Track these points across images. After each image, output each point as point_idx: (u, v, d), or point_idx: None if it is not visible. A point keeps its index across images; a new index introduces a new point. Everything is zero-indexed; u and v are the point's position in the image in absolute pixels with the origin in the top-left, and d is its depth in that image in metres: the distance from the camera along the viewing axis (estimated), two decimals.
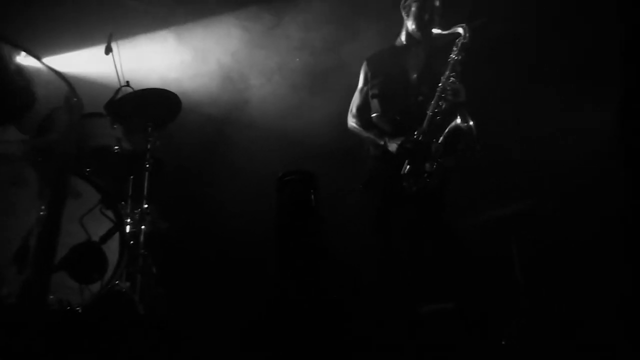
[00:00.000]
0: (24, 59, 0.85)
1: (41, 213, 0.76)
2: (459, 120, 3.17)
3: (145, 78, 4.53)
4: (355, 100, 3.62)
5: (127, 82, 3.82)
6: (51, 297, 2.78)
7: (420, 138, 3.24)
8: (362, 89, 3.61)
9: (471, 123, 3.15)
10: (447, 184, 3.31)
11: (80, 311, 2.82)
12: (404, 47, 3.58)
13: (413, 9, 3.49)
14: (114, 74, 3.91)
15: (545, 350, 3.23)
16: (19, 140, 0.81)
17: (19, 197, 0.80)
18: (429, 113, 3.27)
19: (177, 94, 3.75)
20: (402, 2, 3.58)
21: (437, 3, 3.47)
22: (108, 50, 3.97)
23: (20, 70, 0.86)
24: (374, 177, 3.41)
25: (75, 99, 0.81)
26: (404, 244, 3.28)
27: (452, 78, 3.27)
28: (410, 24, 3.52)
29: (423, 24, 3.46)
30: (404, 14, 3.57)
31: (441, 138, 3.22)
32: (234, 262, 4.30)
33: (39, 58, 0.79)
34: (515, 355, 3.30)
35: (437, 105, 3.26)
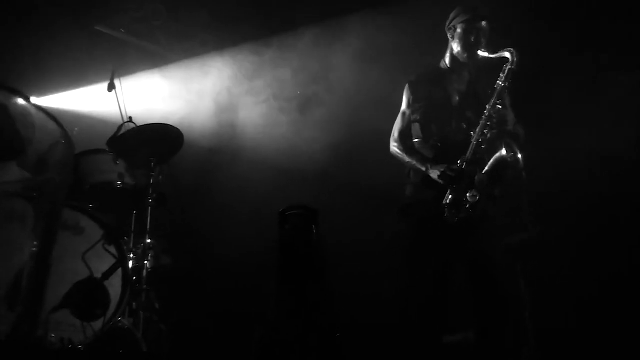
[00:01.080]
0: (22, 103, 0.85)
1: (33, 249, 0.75)
2: (504, 152, 3.00)
3: (148, 114, 4.59)
4: (398, 124, 3.46)
5: (130, 117, 3.84)
6: (52, 335, 2.76)
7: (463, 167, 3.09)
8: (404, 112, 3.45)
9: (519, 155, 2.98)
10: (488, 214, 3.13)
11: (82, 349, 2.79)
12: (448, 70, 3.41)
13: (458, 30, 3.32)
14: (117, 111, 3.95)
15: None
16: (19, 177, 0.81)
17: (15, 233, 0.79)
18: (474, 142, 3.11)
19: (179, 129, 3.77)
20: (447, 23, 3.42)
21: (484, 24, 3.29)
22: (111, 87, 4.01)
23: (20, 113, 0.86)
24: (413, 205, 3.24)
25: (64, 140, 0.81)
26: (438, 275, 3.09)
27: (498, 105, 3.11)
28: (455, 46, 3.35)
29: (469, 46, 3.28)
30: (449, 35, 3.41)
31: (486, 168, 3.07)
32: (236, 296, 4.27)
33: (29, 100, 0.80)
34: None
35: (482, 133, 3.11)
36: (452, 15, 3.40)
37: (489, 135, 3.10)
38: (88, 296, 2.93)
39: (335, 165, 4.49)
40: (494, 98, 3.12)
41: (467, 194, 3.03)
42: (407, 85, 3.48)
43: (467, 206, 3.04)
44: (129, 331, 3.06)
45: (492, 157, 3.06)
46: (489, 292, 3.05)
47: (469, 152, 3.10)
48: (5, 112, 0.79)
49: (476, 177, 3.04)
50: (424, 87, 3.42)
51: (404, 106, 3.47)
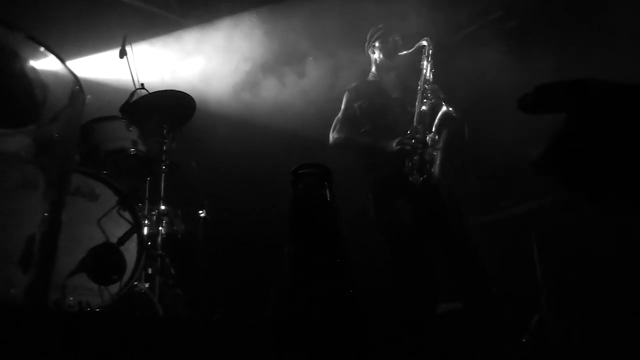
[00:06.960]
0: (42, 59, 0.83)
1: (45, 214, 0.75)
2: (444, 108, 3.39)
3: (160, 80, 4.57)
4: (340, 119, 3.74)
5: (142, 84, 3.83)
6: (70, 298, 2.82)
7: (414, 134, 3.38)
8: (346, 109, 3.73)
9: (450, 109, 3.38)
10: (450, 179, 3.41)
11: (99, 312, 2.84)
12: (377, 77, 3.79)
13: (377, 44, 3.77)
14: (129, 77, 3.93)
15: (566, 347, 3.18)
16: (29, 143, 0.81)
17: (27, 199, 0.79)
18: (416, 111, 3.45)
19: (192, 96, 3.75)
20: (366, 45, 3.85)
21: (397, 37, 3.74)
22: (122, 54, 3.98)
23: (35, 72, 0.84)
24: (382, 179, 3.48)
25: (76, 97, 0.80)
26: (412, 242, 3.32)
27: (428, 82, 3.49)
28: (378, 58, 3.76)
29: (390, 52, 3.72)
30: (369, 53, 3.83)
31: (433, 128, 3.41)
32: (250, 260, 4.30)
33: (50, 49, 0.77)
34: (537, 352, 3.25)
35: (422, 102, 3.46)
36: (368, 37, 3.85)
37: (428, 104, 3.46)
38: (104, 261, 2.97)
39: None
40: (422, 75, 3.52)
41: (425, 154, 3.32)
42: (346, 93, 3.80)
43: (427, 165, 3.31)
44: (145, 295, 3.11)
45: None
46: (468, 266, 3.22)
47: (415, 120, 3.45)
48: (21, 67, 0.76)
49: (427, 137, 3.38)
50: (362, 90, 3.76)
51: (344, 105, 3.76)
